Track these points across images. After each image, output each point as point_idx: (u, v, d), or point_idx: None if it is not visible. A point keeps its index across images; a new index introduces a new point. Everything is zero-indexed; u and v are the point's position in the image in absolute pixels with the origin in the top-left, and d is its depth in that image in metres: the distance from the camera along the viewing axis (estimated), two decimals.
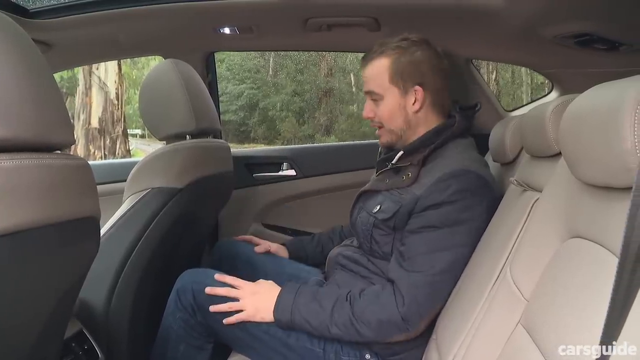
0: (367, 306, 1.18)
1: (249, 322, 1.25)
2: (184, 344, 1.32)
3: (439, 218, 1.17)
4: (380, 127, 1.36)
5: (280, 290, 1.25)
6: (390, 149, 1.38)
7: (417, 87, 1.29)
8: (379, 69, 1.31)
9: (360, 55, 1.45)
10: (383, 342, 1.22)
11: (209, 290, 1.27)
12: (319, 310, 1.20)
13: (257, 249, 1.61)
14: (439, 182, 1.19)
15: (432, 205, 1.18)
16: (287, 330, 1.24)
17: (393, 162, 1.32)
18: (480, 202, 1.20)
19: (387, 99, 1.31)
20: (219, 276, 1.30)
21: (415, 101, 1.30)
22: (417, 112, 1.31)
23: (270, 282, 1.30)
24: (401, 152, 1.31)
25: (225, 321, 1.25)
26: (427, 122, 1.32)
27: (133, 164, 1.42)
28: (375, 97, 1.33)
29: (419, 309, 1.16)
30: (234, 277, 1.30)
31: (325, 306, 1.20)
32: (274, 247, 1.65)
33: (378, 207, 1.29)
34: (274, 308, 1.23)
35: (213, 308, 1.25)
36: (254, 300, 1.25)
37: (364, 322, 1.17)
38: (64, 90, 9.21)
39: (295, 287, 1.26)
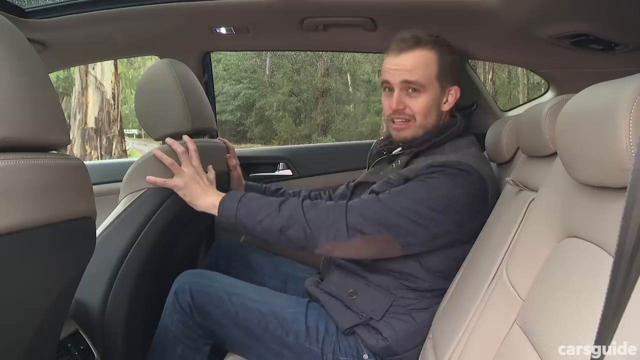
0: (317, 203, 1.18)
1: (247, 322, 1.25)
2: (182, 346, 1.32)
3: (425, 180, 1.18)
4: (407, 121, 1.31)
5: (227, 193, 1.26)
6: (387, 142, 1.39)
7: (455, 87, 1.30)
8: (427, 60, 1.27)
9: (357, 55, 1.46)
10: (325, 249, 1.18)
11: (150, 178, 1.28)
12: (266, 203, 1.20)
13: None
14: (430, 167, 1.21)
15: (414, 180, 1.20)
16: (228, 229, 1.24)
17: (393, 152, 1.34)
18: (470, 191, 1.19)
19: (429, 92, 1.28)
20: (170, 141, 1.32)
21: (446, 101, 1.31)
22: (447, 110, 1.32)
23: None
24: (400, 148, 1.32)
25: (147, 179, 1.27)
26: (442, 120, 1.34)
27: (129, 164, 1.41)
28: (416, 87, 1.27)
29: (363, 227, 1.14)
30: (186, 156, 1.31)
31: (273, 201, 1.21)
32: (236, 174, 1.68)
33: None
34: (221, 201, 1.23)
35: (149, 179, 1.28)
36: (194, 187, 1.27)
37: (311, 215, 1.16)
38: (60, 90, 9.20)
39: (241, 192, 1.27)
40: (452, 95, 1.31)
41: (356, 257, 1.22)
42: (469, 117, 1.94)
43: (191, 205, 1.27)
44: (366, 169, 1.46)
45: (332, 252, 1.19)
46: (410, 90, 1.28)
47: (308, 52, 12.86)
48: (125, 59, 9.44)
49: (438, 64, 1.28)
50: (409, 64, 1.27)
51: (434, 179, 1.18)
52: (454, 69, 1.31)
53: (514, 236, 1.02)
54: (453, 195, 1.17)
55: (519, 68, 9.92)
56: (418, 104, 1.28)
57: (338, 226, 1.14)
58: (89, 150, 8.24)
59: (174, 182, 1.26)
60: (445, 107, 1.31)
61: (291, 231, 1.17)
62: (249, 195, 1.23)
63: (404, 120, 1.31)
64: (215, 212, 1.24)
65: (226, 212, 1.22)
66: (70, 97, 8.57)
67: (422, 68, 1.27)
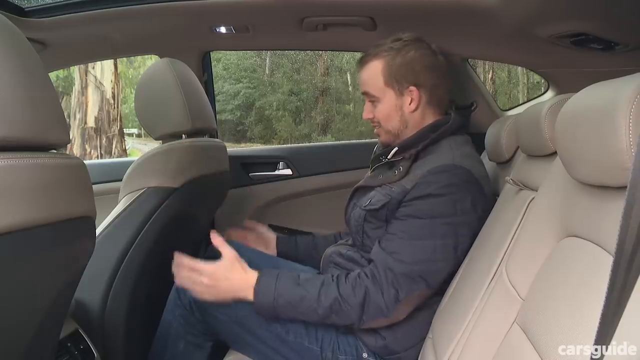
0: (353, 288, 1.18)
1: (247, 320, 1.26)
2: (184, 342, 1.32)
3: (424, 209, 1.19)
4: (378, 127, 1.38)
5: (259, 276, 1.22)
6: (386, 145, 1.39)
7: (412, 88, 1.30)
8: (374, 72, 1.33)
9: (357, 54, 1.46)
10: (370, 326, 1.21)
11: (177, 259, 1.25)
12: (304, 294, 1.19)
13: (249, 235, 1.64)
14: (428, 175, 1.21)
15: (420, 197, 1.19)
16: (270, 317, 1.23)
17: (388, 157, 1.33)
18: (466, 197, 1.20)
19: (384, 100, 1.33)
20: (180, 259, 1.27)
21: (411, 101, 1.31)
22: (413, 111, 1.32)
23: (230, 264, 1.25)
24: (396, 149, 1.31)
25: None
26: (424, 120, 1.34)
27: (129, 163, 1.41)
28: (372, 99, 1.35)
29: (397, 294, 1.15)
30: (200, 264, 1.26)
31: (311, 290, 1.19)
32: (266, 236, 1.66)
33: (369, 201, 1.29)
34: (255, 291, 1.20)
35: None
36: (217, 289, 1.23)
37: (351, 303, 1.16)
38: (60, 90, 9.18)
39: (274, 272, 1.23)
40: (414, 93, 1.31)
41: (399, 320, 1.22)
42: (468, 117, 1.94)
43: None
44: (369, 171, 1.45)
45: (379, 325, 1.21)
46: (372, 100, 1.36)
47: (308, 52, 12.83)
48: (125, 59, 9.42)
49: (385, 72, 1.31)
50: (363, 77, 1.37)
51: (430, 201, 1.18)
52: (409, 69, 1.30)
53: (513, 235, 1.02)
54: (454, 211, 1.18)
55: (519, 67, 9.92)
56: (378, 112, 1.35)
57: (379, 306, 1.16)
58: (88, 150, 8.24)
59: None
60: (412, 107, 1.32)
61: (334, 318, 1.19)
62: (283, 280, 1.21)
63: (376, 126, 1.39)
64: (249, 295, 1.21)
65: (264, 304, 1.20)
66: (70, 96, 8.56)
67: (370, 80, 1.34)
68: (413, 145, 1.29)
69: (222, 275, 1.23)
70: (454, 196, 1.18)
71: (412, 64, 1.30)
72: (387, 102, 1.33)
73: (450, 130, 1.30)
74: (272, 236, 1.68)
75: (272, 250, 1.66)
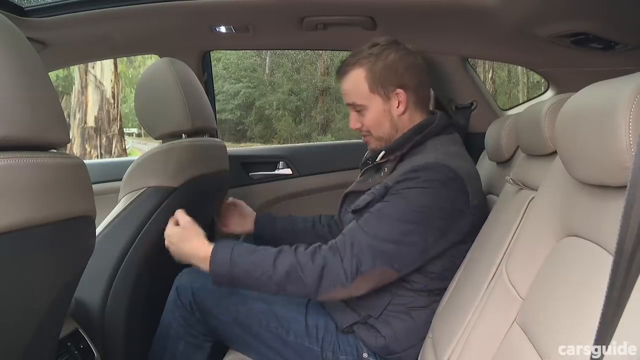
0: (312, 254, 1.15)
1: (247, 320, 1.26)
2: (183, 342, 1.32)
3: (403, 193, 1.17)
4: (367, 135, 1.36)
5: (215, 245, 1.20)
6: (374, 150, 1.39)
7: (399, 90, 1.29)
8: (356, 80, 1.31)
9: None
10: (327, 298, 1.19)
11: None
12: (261, 261, 1.16)
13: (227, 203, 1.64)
14: (410, 171, 1.19)
15: (400, 183, 1.19)
16: (225, 286, 1.21)
17: (377, 160, 1.33)
18: (446, 193, 1.18)
19: (371, 108, 1.31)
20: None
21: (399, 104, 1.30)
22: (402, 114, 1.31)
23: (195, 230, 1.25)
24: (383, 152, 1.31)
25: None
26: (412, 122, 1.33)
27: (129, 163, 1.42)
28: (359, 108, 1.33)
29: (359, 264, 1.13)
30: (180, 215, 1.28)
31: (267, 256, 1.16)
32: (246, 212, 1.66)
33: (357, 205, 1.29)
34: (211, 260, 1.18)
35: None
36: (180, 245, 1.23)
37: (307, 270, 1.13)
38: (60, 89, 9.18)
39: (229, 243, 1.21)
40: (401, 95, 1.30)
41: (356, 295, 1.19)
42: (468, 116, 1.94)
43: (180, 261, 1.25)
44: (358, 176, 1.46)
45: (334, 298, 1.20)
46: (358, 110, 1.33)
47: (308, 51, 12.84)
48: (125, 58, 9.42)
49: (368, 79, 1.29)
50: (346, 88, 1.34)
51: (409, 189, 1.17)
52: (392, 71, 1.29)
53: (513, 235, 1.02)
54: (431, 203, 1.16)
55: (519, 67, 9.92)
56: (367, 120, 1.33)
57: (337, 275, 1.13)
58: (88, 149, 8.24)
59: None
60: (400, 110, 1.30)
61: (290, 288, 1.15)
62: (239, 249, 1.19)
63: (365, 135, 1.37)
64: (206, 266, 1.19)
65: (220, 270, 1.18)
66: (70, 96, 8.57)
67: (354, 89, 1.32)
68: (399, 148, 1.29)
69: (186, 237, 1.23)
70: (434, 190, 1.16)
71: (395, 66, 1.29)
72: (374, 108, 1.31)
73: (436, 131, 1.29)
74: (251, 212, 1.67)
75: (249, 226, 1.64)
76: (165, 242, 1.25)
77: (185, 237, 1.23)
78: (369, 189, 1.29)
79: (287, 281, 1.14)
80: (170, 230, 1.25)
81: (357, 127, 1.35)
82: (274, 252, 1.16)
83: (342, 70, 1.34)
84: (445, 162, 1.20)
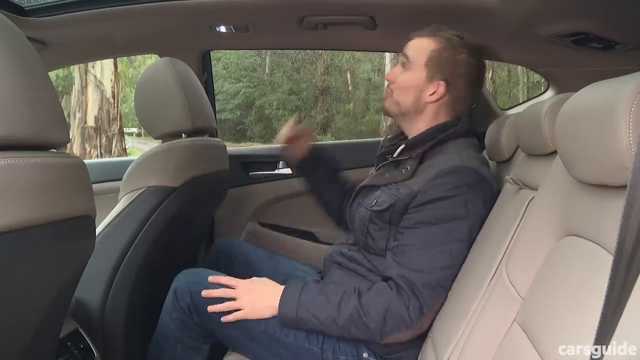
0: (375, 298, 1.16)
1: (248, 320, 1.25)
2: (181, 345, 1.31)
3: (436, 214, 1.17)
4: (389, 94, 1.37)
5: (285, 286, 1.23)
6: (392, 143, 1.39)
7: (442, 82, 1.30)
8: (424, 46, 1.33)
9: (357, 53, 1.45)
10: (392, 340, 1.20)
11: (205, 293, 1.25)
12: (326, 304, 1.18)
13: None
14: (437, 177, 1.19)
15: (430, 201, 1.18)
16: (292, 328, 1.23)
17: (394, 155, 1.32)
18: (477, 197, 1.19)
19: (412, 72, 1.33)
20: (213, 278, 1.28)
21: (434, 93, 1.31)
22: (430, 102, 1.32)
23: (265, 278, 1.29)
24: (402, 146, 1.31)
25: (223, 319, 1.23)
26: (434, 117, 1.33)
27: (129, 162, 1.42)
28: (405, 64, 1.34)
29: (421, 306, 1.14)
30: (229, 277, 1.29)
31: (332, 299, 1.18)
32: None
33: (375, 202, 1.28)
34: (280, 304, 1.21)
35: (211, 308, 1.23)
36: (251, 298, 1.24)
37: (372, 314, 1.15)
38: (60, 89, 9.17)
39: (299, 283, 1.24)
40: (440, 88, 1.30)
41: (422, 331, 1.23)
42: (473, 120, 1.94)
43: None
44: (374, 169, 1.45)
45: (400, 339, 1.21)
46: (404, 64, 1.35)
47: (308, 51, 12.83)
48: (125, 58, 9.41)
49: (431, 53, 1.31)
50: (413, 43, 1.35)
51: (441, 200, 1.17)
52: (452, 68, 1.30)
53: (513, 235, 1.02)
54: (465, 212, 1.18)
55: (519, 67, 9.91)
56: (401, 79, 1.34)
57: (402, 318, 1.14)
58: (88, 149, 8.24)
59: (237, 305, 1.25)
60: (431, 99, 1.31)
61: (354, 332, 1.17)
62: (303, 299, 1.20)
63: (388, 92, 1.38)
64: (275, 312, 1.22)
65: (286, 322, 1.21)
66: (70, 95, 8.55)
67: (416, 50, 1.33)
68: (420, 144, 1.28)
69: (255, 286, 1.26)
70: (465, 196, 1.18)
71: (457, 65, 1.30)
72: (414, 75, 1.32)
73: (459, 132, 1.29)
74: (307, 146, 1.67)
75: (300, 151, 1.67)
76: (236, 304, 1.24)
77: (265, 281, 1.28)
78: (386, 185, 1.29)
79: (350, 324, 1.16)
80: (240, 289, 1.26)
81: (389, 79, 1.37)
82: (340, 294, 1.19)
83: (421, 33, 1.36)
84: (469, 164, 1.21)
